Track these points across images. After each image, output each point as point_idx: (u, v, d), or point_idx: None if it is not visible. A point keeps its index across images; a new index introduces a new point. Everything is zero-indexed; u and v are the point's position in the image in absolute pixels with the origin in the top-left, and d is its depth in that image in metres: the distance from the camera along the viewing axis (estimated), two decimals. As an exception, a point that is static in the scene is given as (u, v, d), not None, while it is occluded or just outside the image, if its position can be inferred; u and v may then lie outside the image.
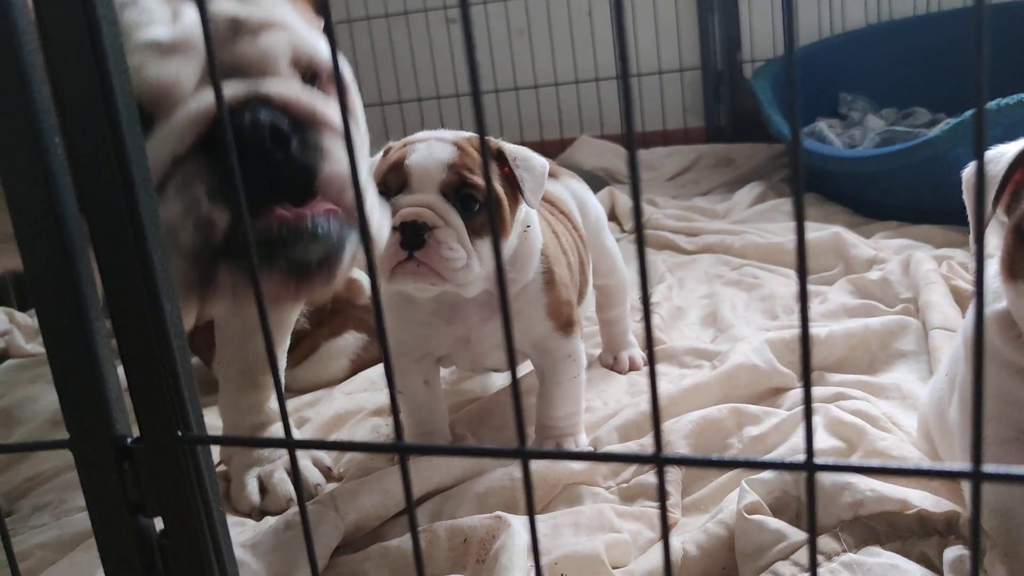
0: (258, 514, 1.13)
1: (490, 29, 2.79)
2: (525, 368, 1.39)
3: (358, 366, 1.51)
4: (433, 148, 1.02)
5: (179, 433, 0.57)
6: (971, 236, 1.74)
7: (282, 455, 1.18)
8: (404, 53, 2.87)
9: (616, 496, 1.06)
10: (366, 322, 1.55)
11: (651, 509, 1.01)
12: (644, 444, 1.12)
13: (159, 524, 0.59)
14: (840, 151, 2.19)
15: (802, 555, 0.86)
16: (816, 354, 1.34)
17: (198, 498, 0.59)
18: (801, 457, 0.47)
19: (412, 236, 0.97)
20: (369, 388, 1.42)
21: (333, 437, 1.30)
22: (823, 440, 1.08)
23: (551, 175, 1.34)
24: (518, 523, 0.94)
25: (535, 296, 1.12)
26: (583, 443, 1.17)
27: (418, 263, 0.98)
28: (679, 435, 1.09)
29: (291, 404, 1.26)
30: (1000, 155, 0.81)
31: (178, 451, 0.57)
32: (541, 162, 1.07)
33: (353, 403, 1.36)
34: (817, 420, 1.12)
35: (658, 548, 0.91)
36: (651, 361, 0.48)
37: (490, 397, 1.34)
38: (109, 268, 0.55)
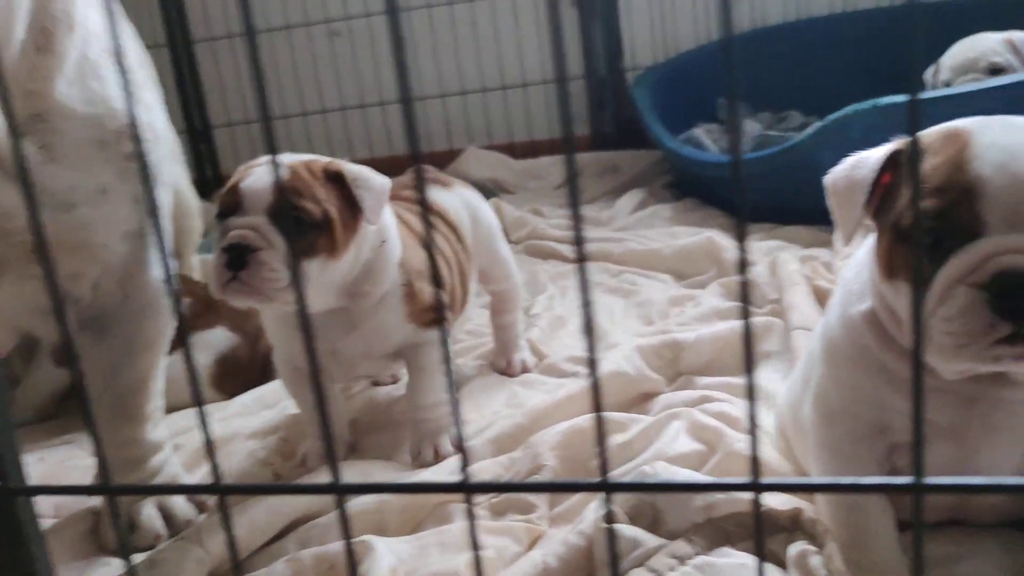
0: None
1: (375, 42, 2.78)
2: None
3: (223, 366, 1.51)
4: (267, 172, 1.07)
5: (-8, 487, 0.56)
6: (834, 236, 1.82)
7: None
8: (287, 68, 2.84)
9: (487, 512, 1.07)
10: (240, 325, 1.56)
11: (518, 524, 1.02)
12: (514, 458, 1.14)
13: (-24, 581, 0.58)
14: (714, 156, 2.26)
15: (657, 561, 0.89)
16: (684, 358, 1.38)
17: (19, 552, 0.58)
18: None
19: (235, 258, 1.03)
20: (243, 413, 1.40)
21: (207, 464, 1.28)
22: (685, 444, 1.11)
23: (444, 185, 1.38)
24: (383, 547, 0.95)
25: (394, 306, 1.18)
26: (454, 435, 1.22)
27: (242, 282, 1.03)
28: (547, 447, 1.11)
29: (163, 431, 1.23)
30: (865, 159, 0.84)
31: (-8, 505, 0.56)
32: (381, 181, 1.12)
33: (228, 429, 1.34)
34: (680, 424, 1.15)
35: (519, 562, 0.93)
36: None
37: (388, 404, 1.37)
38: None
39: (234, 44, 2.83)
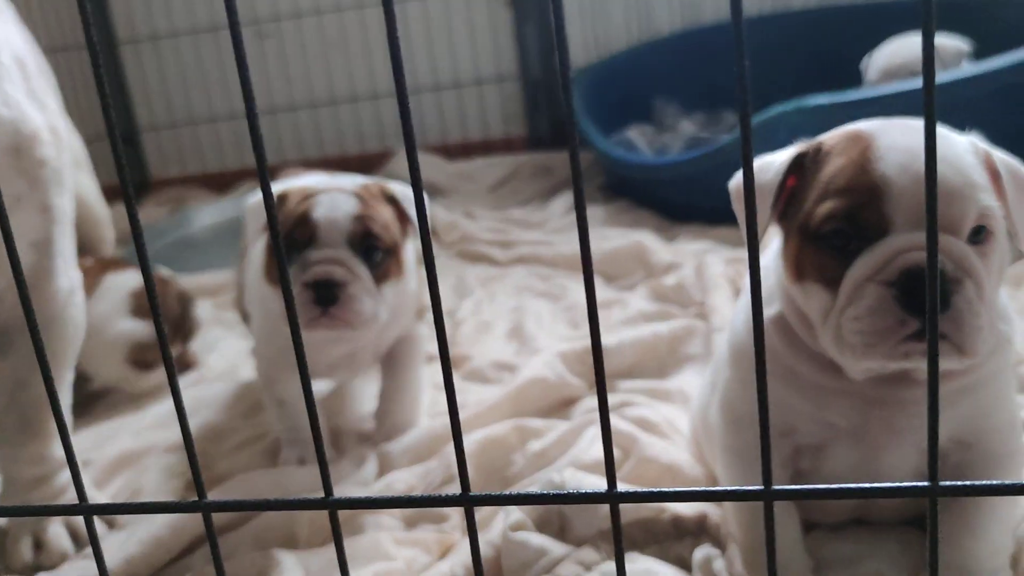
0: (31, 571, 1.07)
1: (305, 43, 2.75)
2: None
3: (139, 300, 1.51)
4: (337, 201, 1.08)
5: None
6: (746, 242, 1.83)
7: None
8: (215, 70, 2.79)
9: (400, 523, 1.06)
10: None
11: (429, 535, 1.01)
12: (430, 468, 1.13)
13: None
14: (645, 158, 2.27)
15: (564, 568, 0.88)
16: (608, 363, 1.38)
17: None
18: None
19: (326, 294, 1.04)
20: (159, 425, 1.37)
21: (119, 479, 1.24)
22: (600, 450, 1.11)
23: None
24: (290, 560, 0.93)
25: (412, 298, 1.23)
26: (424, 424, 1.26)
27: (332, 317, 1.05)
28: (461, 456, 1.10)
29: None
30: (769, 164, 0.84)
31: None
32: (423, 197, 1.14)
33: (141, 441, 1.31)
34: (596, 430, 1.15)
35: (427, 573, 0.92)
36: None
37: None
38: None
39: (158, 46, 2.77)
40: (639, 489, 0.47)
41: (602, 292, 1.77)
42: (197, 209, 2.47)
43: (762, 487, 0.44)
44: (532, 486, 1.04)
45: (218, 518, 1.05)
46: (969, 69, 1.75)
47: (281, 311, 1.08)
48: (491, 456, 1.13)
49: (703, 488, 0.48)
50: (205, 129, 2.83)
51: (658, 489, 0.47)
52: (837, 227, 0.74)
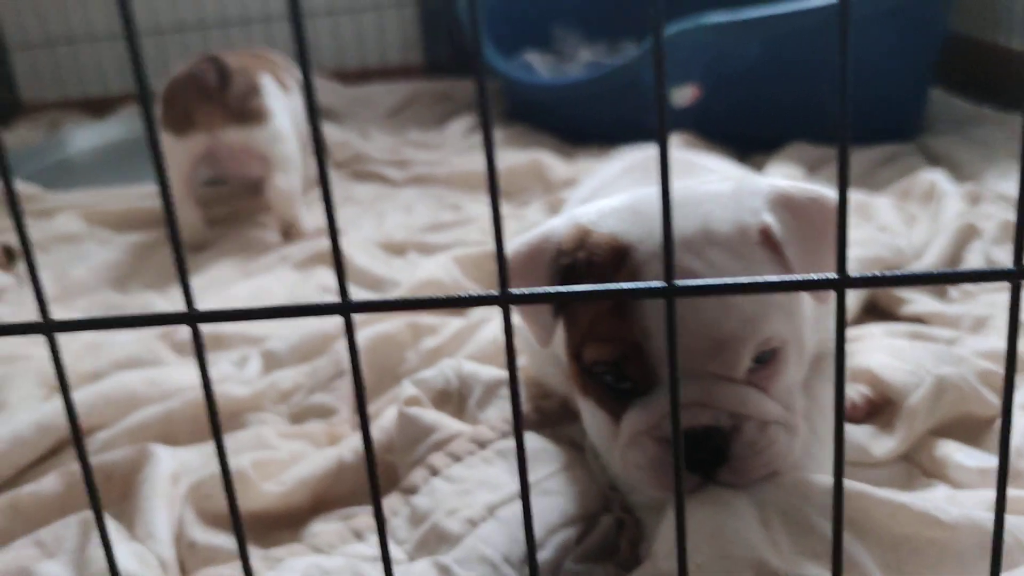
0: None
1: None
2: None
3: None
4: None
5: None
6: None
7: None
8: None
9: (285, 419, 1.02)
10: None
11: (316, 427, 0.97)
12: (318, 365, 1.08)
13: None
14: (547, 80, 2.24)
15: (456, 446, 0.85)
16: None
17: None
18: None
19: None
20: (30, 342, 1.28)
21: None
22: (496, 341, 1.08)
23: None
24: (164, 452, 0.88)
25: None
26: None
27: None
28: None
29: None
30: (548, 233, 0.71)
31: None
32: None
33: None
34: (491, 327, 1.13)
35: (311, 459, 0.88)
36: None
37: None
38: None
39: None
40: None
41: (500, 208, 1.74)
42: (75, 131, 2.32)
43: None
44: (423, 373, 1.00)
45: (90, 415, 0.98)
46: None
47: None
48: (383, 353, 1.08)
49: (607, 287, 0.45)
50: (85, 49, 2.66)
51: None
52: (607, 371, 0.66)
